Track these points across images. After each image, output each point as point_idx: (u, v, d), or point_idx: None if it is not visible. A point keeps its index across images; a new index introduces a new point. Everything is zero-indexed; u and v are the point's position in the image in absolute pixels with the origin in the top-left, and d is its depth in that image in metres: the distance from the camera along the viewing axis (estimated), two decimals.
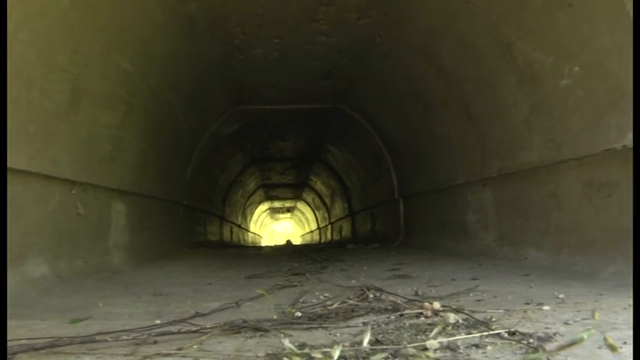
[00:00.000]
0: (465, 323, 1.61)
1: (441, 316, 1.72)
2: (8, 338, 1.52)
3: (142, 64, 4.31)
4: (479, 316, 1.70)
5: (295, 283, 3.07)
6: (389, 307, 1.91)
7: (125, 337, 1.60)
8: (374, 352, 1.31)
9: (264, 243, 23.20)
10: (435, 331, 1.49)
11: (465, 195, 4.96)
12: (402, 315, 1.80)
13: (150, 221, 5.34)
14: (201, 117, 6.77)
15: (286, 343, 1.36)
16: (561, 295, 2.16)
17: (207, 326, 1.71)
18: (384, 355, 1.28)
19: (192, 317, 1.98)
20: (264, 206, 20.63)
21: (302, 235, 26.99)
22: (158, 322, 1.91)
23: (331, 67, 6.03)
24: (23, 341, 1.54)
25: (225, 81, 6.30)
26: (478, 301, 2.17)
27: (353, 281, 3.10)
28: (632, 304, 1.88)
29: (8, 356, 1.39)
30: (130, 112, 4.41)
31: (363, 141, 8.28)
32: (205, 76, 5.83)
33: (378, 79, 6.04)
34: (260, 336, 1.62)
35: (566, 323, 1.64)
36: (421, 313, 1.78)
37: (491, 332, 1.49)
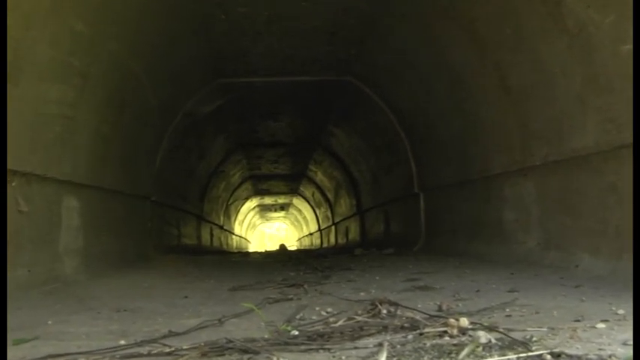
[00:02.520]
0: (499, 343, 1.63)
1: (470, 336, 1.74)
2: None
3: (101, 26, 4.30)
4: (516, 335, 1.72)
5: (291, 297, 3.10)
6: (406, 325, 1.93)
7: None
8: None
9: (252, 248, 23.28)
10: (464, 353, 1.51)
11: (501, 188, 4.97)
12: (421, 334, 1.82)
13: (110, 221, 5.36)
14: (173, 92, 6.77)
15: None
16: (620, 311, 2.18)
17: (184, 347, 1.73)
18: None
19: (164, 337, 2.00)
20: (252, 203, 20.68)
21: (299, 239, 27.07)
22: (123, 342, 1.93)
23: (335, 29, 6.01)
24: None
25: (204, 47, 6.29)
26: (515, 317, 2.19)
27: (362, 294, 3.13)
28: None
29: None
30: (86, 85, 4.41)
31: (375, 121, 8.27)
32: (179, 41, 5.82)
33: (394, 44, 6.03)
34: (248, 359, 1.64)
35: (624, 344, 1.66)
36: (445, 332, 1.80)
37: (531, 354, 1.51)
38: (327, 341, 1.79)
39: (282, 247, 13.39)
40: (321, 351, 1.70)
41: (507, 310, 2.36)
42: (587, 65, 3.47)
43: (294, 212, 24.18)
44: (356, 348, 1.73)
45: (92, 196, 4.86)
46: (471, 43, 4.79)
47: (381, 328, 1.93)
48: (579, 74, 3.58)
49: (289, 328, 2.01)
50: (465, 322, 1.84)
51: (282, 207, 23.39)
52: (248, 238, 25.85)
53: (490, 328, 1.79)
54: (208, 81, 7.40)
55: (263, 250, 14.03)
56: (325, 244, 17.78)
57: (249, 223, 25.91)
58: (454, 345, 1.66)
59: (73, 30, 3.98)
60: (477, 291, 3.04)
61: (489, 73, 4.73)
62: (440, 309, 2.40)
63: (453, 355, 1.55)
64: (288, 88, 8.17)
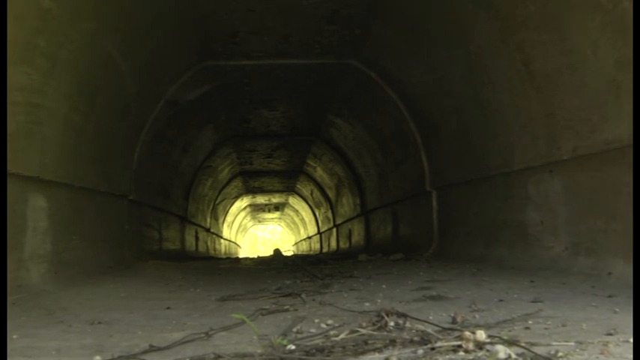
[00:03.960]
0: (520, 359, 1.64)
1: (488, 350, 1.75)
2: None
3: (72, 3, 4.30)
4: (540, 350, 1.73)
5: (287, 307, 3.11)
6: (416, 339, 1.94)
7: None
8: None
9: (243, 254, 23.31)
10: None
11: (525, 186, 4.98)
12: (433, 349, 1.83)
13: (83, 222, 5.36)
14: (154, 76, 6.77)
15: None
16: None
17: None
18: None
19: (144, 352, 2.01)
20: (242, 202, 20.70)
21: (296, 243, 27.11)
22: (98, 358, 1.95)
23: (338, 5, 6.01)
24: None
25: (189, 26, 6.29)
26: (539, 330, 2.20)
27: (367, 304, 3.14)
28: None
29: None
30: (54, 69, 4.41)
31: (382, 111, 8.27)
32: (161, 18, 5.81)
33: (404, 24, 6.03)
34: None
35: None
36: (460, 346, 1.81)
37: None
38: (328, 356, 1.80)
39: (277, 252, 13.38)
40: None
41: (530, 322, 2.37)
42: (622, 46, 3.47)
43: (291, 213, 24.19)
44: None
45: (62, 195, 4.86)
46: (490, 21, 4.79)
47: (387, 342, 1.94)
48: (612, 56, 3.58)
49: (285, 342, 2.02)
50: (481, 335, 1.85)
51: (277, 207, 23.39)
52: (238, 243, 25.89)
53: (510, 342, 1.80)
54: (193, 64, 7.39)
55: (255, 256, 14.04)
56: (325, 249, 17.80)
57: (240, 225, 25.94)
58: None
59: (40, 6, 3.98)
60: (498, 301, 3.05)
61: (511, 55, 4.73)
62: (454, 321, 2.41)
63: None
64: (284, 72, 8.16)
